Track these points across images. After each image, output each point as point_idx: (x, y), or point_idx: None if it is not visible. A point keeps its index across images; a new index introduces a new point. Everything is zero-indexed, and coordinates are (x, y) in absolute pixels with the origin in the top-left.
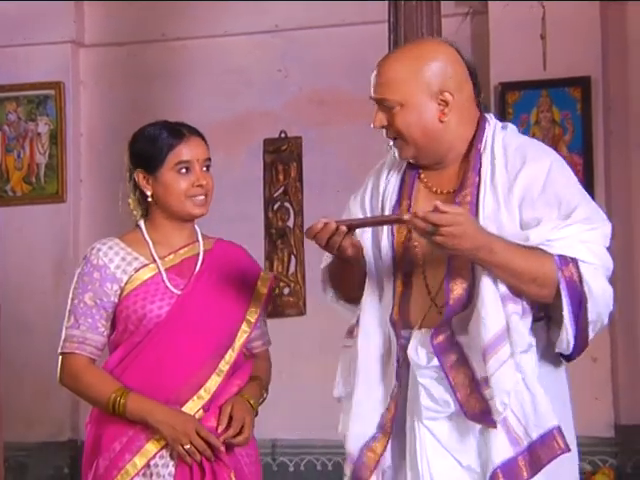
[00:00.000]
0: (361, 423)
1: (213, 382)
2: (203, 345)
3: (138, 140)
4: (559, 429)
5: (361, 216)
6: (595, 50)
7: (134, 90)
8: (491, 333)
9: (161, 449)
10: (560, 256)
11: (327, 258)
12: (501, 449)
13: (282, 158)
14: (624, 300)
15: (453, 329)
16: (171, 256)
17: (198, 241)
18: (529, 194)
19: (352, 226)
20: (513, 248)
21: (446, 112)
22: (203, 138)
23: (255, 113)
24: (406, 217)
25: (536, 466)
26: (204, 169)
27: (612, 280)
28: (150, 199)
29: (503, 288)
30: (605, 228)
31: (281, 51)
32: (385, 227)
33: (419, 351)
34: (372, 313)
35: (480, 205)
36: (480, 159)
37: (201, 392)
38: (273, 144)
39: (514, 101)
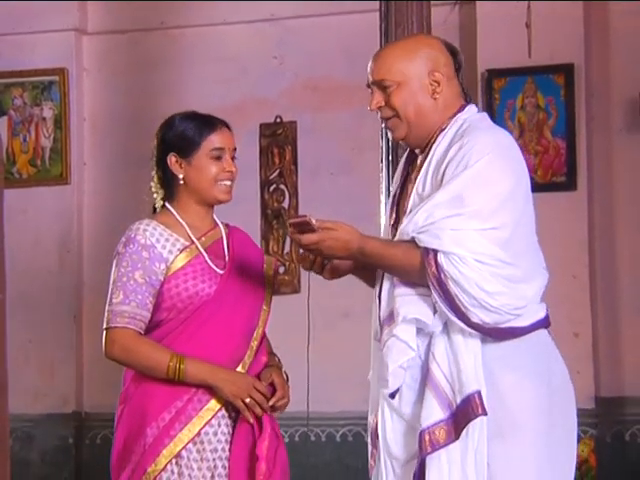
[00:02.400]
0: None
1: (248, 358)
2: (241, 322)
3: (174, 126)
4: (479, 394)
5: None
6: (578, 38)
7: (135, 76)
8: (383, 315)
9: (211, 418)
10: (424, 249)
11: None
12: (432, 412)
13: (277, 142)
14: (605, 278)
15: None
16: (203, 238)
17: (218, 226)
18: (446, 171)
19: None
20: (384, 249)
21: (438, 90)
22: (231, 130)
23: (252, 99)
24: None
25: (457, 430)
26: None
27: (593, 258)
28: (182, 182)
29: None
30: (484, 212)
31: (277, 39)
32: (387, 213)
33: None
34: None
35: (417, 183)
36: (437, 138)
37: (239, 367)
38: (269, 129)
39: (500, 87)
